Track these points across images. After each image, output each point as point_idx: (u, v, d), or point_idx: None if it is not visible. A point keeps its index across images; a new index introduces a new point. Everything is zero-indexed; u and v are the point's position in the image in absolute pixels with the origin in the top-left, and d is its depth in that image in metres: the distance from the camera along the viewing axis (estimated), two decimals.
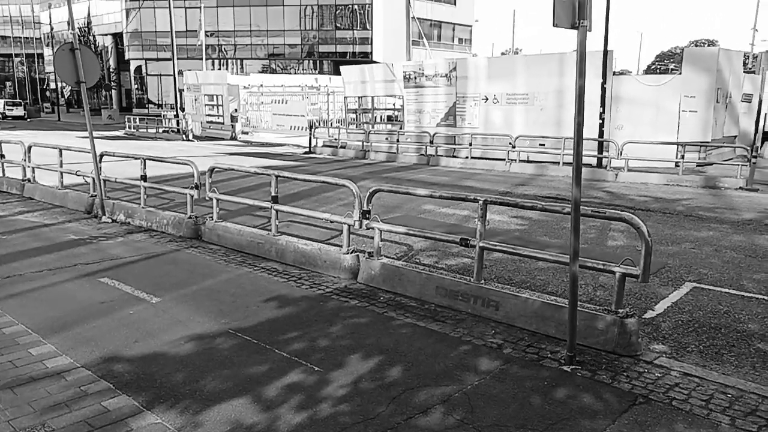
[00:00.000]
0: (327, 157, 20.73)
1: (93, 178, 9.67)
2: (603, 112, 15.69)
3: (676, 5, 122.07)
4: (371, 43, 45.93)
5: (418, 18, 38.31)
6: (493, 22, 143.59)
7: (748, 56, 37.89)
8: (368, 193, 6.20)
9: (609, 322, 4.41)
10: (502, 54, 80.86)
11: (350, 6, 45.85)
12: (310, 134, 22.64)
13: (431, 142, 19.03)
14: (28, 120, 49.27)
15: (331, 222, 7.20)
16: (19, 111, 50.76)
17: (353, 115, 25.59)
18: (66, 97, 67.06)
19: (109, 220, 9.16)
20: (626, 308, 4.53)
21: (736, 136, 18.16)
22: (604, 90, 15.62)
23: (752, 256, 7.33)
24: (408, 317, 5.08)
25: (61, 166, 10.70)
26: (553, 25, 3.83)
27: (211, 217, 7.95)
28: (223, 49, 48.87)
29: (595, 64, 15.19)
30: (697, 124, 16.06)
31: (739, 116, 18.40)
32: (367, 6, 45.48)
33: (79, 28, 57.35)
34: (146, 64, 53.15)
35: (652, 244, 4.29)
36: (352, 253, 6.30)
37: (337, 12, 46.43)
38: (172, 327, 4.80)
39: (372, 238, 6.40)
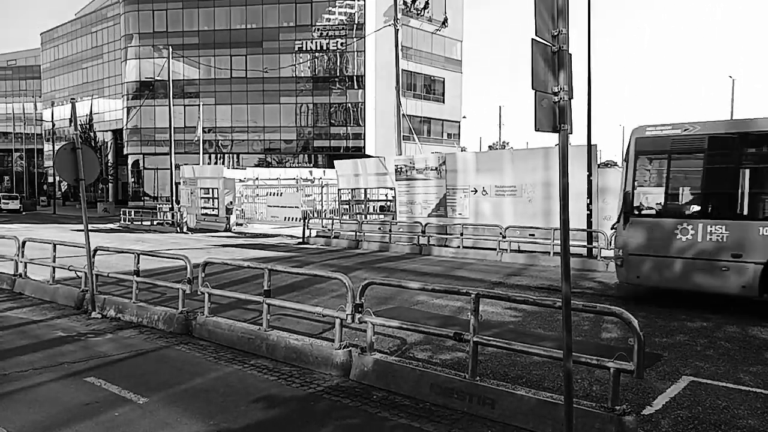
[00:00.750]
0: (320, 247, 20.85)
1: (85, 273, 9.66)
2: (590, 203, 16.05)
3: (656, 99, 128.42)
4: (364, 138, 47.56)
5: (408, 115, 39.88)
6: (481, 117, 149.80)
7: None
8: (361, 286, 6.22)
9: (606, 420, 4.32)
10: (490, 147, 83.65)
11: (344, 104, 47.89)
12: (304, 225, 22.89)
13: (423, 232, 19.26)
14: (24, 213, 49.64)
15: (323, 316, 7.16)
16: (15, 204, 51.26)
17: (346, 206, 26.02)
18: (63, 190, 67.97)
19: (99, 316, 9.05)
20: (623, 405, 4.45)
21: None
22: (590, 182, 16.06)
23: (745, 348, 7.29)
24: (402, 417, 4.95)
25: (54, 261, 10.71)
26: (536, 130, 4.05)
27: (203, 311, 7.89)
28: (220, 144, 50.33)
29: (580, 157, 15.72)
30: None
31: None
32: (360, 104, 47.52)
33: (81, 125, 59.21)
34: (144, 158, 54.43)
35: (644, 339, 4.29)
36: (344, 348, 6.22)
37: (331, 110, 48.42)
38: (158, 430, 4.64)
39: (365, 331, 6.35)
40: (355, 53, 47.18)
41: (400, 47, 27.11)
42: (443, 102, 54.87)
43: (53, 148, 58.32)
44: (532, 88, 3.99)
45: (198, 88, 49.93)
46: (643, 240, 10.05)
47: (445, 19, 53.44)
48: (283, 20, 48.27)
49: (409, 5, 49.78)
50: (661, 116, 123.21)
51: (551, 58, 4.07)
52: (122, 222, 32.87)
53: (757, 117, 9.24)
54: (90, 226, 9.82)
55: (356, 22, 46.75)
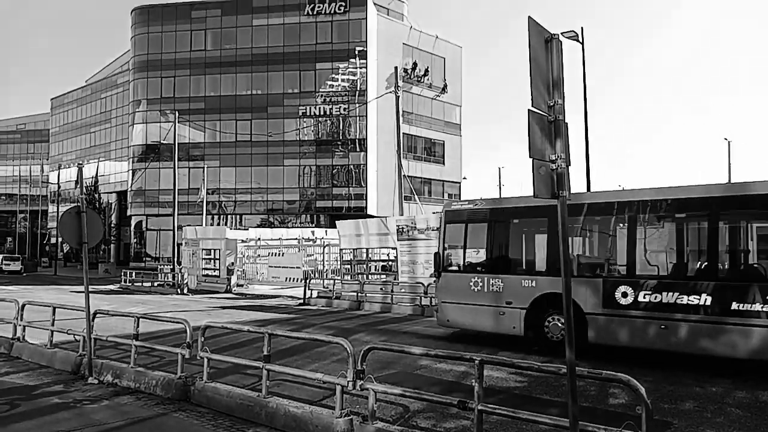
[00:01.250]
0: (321, 309, 20.65)
1: (83, 337, 9.56)
2: None
3: (652, 167, 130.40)
4: (366, 199, 48.05)
5: (409, 176, 40.47)
6: (481, 177, 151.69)
7: None
8: (362, 352, 6.14)
9: None
10: None
11: (346, 166, 48.67)
12: (305, 285, 22.77)
13: (425, 292, 19.11)
14: (25, 274, 49.54)
15: (324, 382, 7.03)
16: (16, 266, 51.22)
17: (348, 266, 25.94)
18: (65, 251, 68.08)
19: (96, 381, 8.89)
20: None
21: None
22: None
23: (756, 414, 7.10)
24: None
25: (53, 324, 10.62)
26: (534, 197, 4.12)
27: (201, 376, 7.76)
28: (223, 206, 50.81)
29: None
30: None
31: None
32: (362, 166, 48.29)
33: (87, 187, 60.02)
34: (147, 219, 54.81)
35: (652, 408, 4.21)
36: (345, 416, 6.08)
37: (334, 171, 49.16)
38: None
39: (366, 397, 6.22)
40: (357, 117, 48.36)
41: (401, 112, 27.83)
42: (443, 164, 55.76)
43: (57, 209, 58.88)
44: (530, 156, 4.10)
45: (203, 151, 50.90)
46: (450, 291, 12.73)
47: (445, 86, 55.07)
48: (288, 87, 49.76)
49: (409, 73, 51.43)
50: (658, 177, 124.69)
51: (548, 128, 4.20)
52: (123, 283, 32.73)
53: (522, 195, 11.75)
54: (90, 287, 9.81)
55: (358, 88, 48.17)
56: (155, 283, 32.07)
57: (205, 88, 51.57)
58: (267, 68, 49.99)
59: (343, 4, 48.33)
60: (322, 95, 48.89)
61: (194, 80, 51.74)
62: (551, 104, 4.22)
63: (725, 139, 46.19)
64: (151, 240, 54.81)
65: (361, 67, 48.09)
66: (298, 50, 49.20)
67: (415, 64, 52.51)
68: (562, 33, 18.02)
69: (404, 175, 40.23)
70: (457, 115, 57.48)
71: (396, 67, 31.46)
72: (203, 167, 43.82)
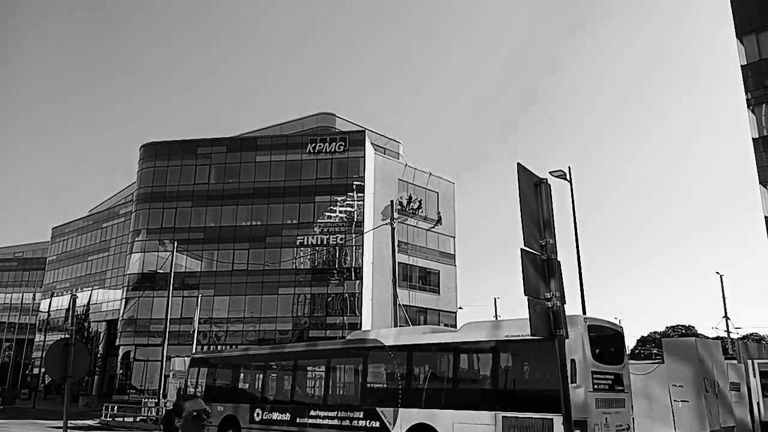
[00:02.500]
0: None
1: None
2: None
3: (649, 294, 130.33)
4: (360, 328, 47.13)
5: (404, 305, 40.14)
6: (477, 308, 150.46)
7: (726, 342, 38.92)
8: None
9: None
10: None
11: (341, 294, 48.39)
12: None
13: None
14: (2, 407, 47.05)
15: None
16: None
17: None
18: (46, 383, 65.29)
19: None
20: None
21: (733, 427, 17.55)
22: None
23: None
24: None
25: None
26: (532, 334, 4.08)
27: None
28: (214, 335, 49.66)
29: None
30: (692, 414, 15.67)
31: (732, 405, 18.07)
32: (357, 294, 48.03)
33: (78, 316, 58.99)
34: (135, 349, 53.25)
35: None
36: None
37: (329, 299, 48.77)
38: None
39: None
40: (354, 247, 48.96)
41: (396, 243, 28.27)
42: (439, 293, 55.56)
43: (44, 338, 57.37)
44: (525, 295, 4.12)
45: (198, 280, 50.76)
46: None
47: (439, 218, 56.55)
48: (287, 218, 50.93)
49: (404, 206, 53.06)
50: (653, 310, 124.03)
51: (541, 266, 4.26)
52: (104, 418, 30.98)
53: (232, 350, 21.45)
54: (69, 423, 9.27)
55: (355, 219, 49.33)
56: (137, 419, 30.40)
57: (205, 219, 52.67)
58: (267, 201, 51.48)
59: (343, 144, 51.00)
60: (319, 226, 49.90)
61: (195, 211, 52.97)
62: (543, 243, 4.32)
63: (717, 272, 46.62)
64: (138, 371, 52.80)
65: (358, 200, 49.61)
66: (298, 184, 51.03)
67: (410, 198, 54.29)
68: (550, 172, 18.93)
69: (399, 305, 39.94)
70: (451, 245, 58.36)
71: (392, 201, 32.52)
72: (197, 296, 43.45)
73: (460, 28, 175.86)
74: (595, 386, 11.13)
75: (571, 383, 10.36)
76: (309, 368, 16.58)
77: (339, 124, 56.84)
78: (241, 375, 18.09)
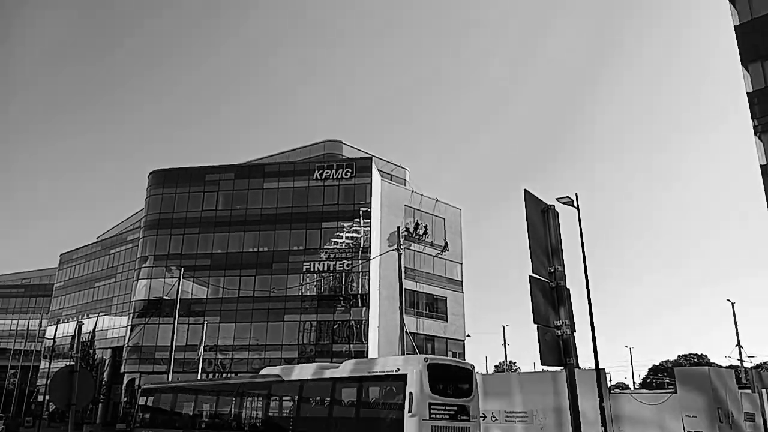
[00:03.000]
0: None
1: None
2: (605, 431, 15.11)
3: (661, 322, 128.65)
4: (367, 356, 46.64)
5: (411, 333, 39.78)
6: (486, 336, 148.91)
7: (740, 371, 38.18)
8: None
9: None
10: (496, 368, 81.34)
11: (347, 321, 48.04)
12: None
13: None
14: None
15: None
16: None
17: None
18: (50, 410, 64.80)
19: None
20: None
21: None
22: (602, 408, 15.33)
23: None
24: None
25: None
26: (542, 364, 4.02)
27: None
28: (220, 363, 49.28)
29: (589, 382, 15.25)
30: None
31: None
32: (363, 321, 47.65)
33: (83, 343, 58.80)
34: (140, 377, 52.86)
35: None
36: None
37: (335, 326, 48.39)
38: None
39: None
40: (360, 273, 48.76)
41: (403, 271, 28.14)
42: (446, 320, 55.04)
43: (50, 365, 57.13)
44: (534, 323, 4.06)
45: (204, 307, 50.60)
46: None
47: (446, 244, 56.35)
48: (294, 244, 50.91)
49: (411, 232, 52.98)
50: (664, 338, 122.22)
51: (550, 294, 4.22)
52: None
53: (172, 380, 24.63)
54: None
55: (362, 245, 49.23)
56: None
57: (212, 245, 52.73)
58: (275, 227, 51.56)
59: (350, 171, 51.23)
60: (326, 252, 49.81)
61: (203, 238, 53.08)
62: (552, 270, 4.27)
63: (728, 300, 46.03)
64: None
65: (365, 226, 49.57)
66: (305, 211, 51.14)
67: (417, 224, 54.22)
68: (557, 199, 18.88)
69: (406, 332, 39.56)
70: (458, 272, 58.01)
71: (398, 227, 32.48)
72: (203, 323, 43.26)
73: (466, 55, 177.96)
74: (432, 416, 13.03)
75: (408, 413, 12.92)
76: (227, 398, 19.16)
77: (346, 151, 57.18)
78: (177, 404, 20.93)
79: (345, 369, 15.55)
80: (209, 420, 19.17)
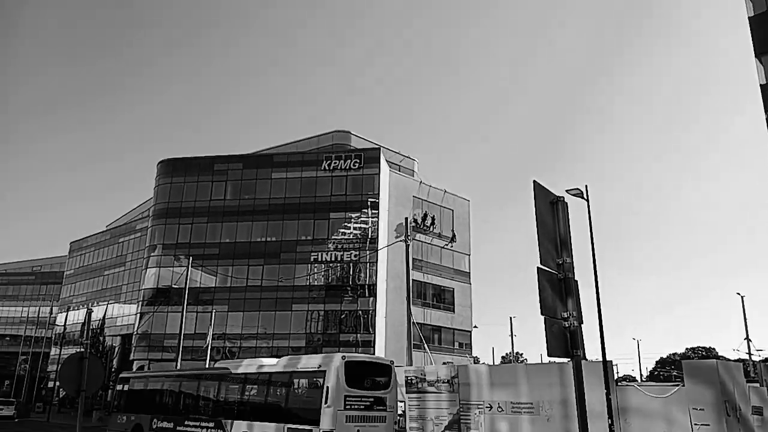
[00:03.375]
0: None
1: None
2: (612, 423, 15.11)
3: (669, 315, 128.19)
4: (374, 346, 46.87)
5: (418, 323, 39.89)
6: (493, 327, 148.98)
7: (748, 365, 38.02)
8: None
9: None
10: (503, 359, 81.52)
11: (355, 311, 48.21)
12: None
13: None
14: (17, 420, 47.32)
15: None
16: (9, 411, 49.06)
17: None
18: (60, 396, 65.63)
19: None
20: None
21: None
22: (609, 400, 15.31)
23: None
24: None
25: None
26: (549, 356, 4.02)
27: None
28: (228, 351, 49.67)
29: (596, 374, 15.23)
30: None
31: (754, 430, 17.57)
32: (370, 311, 47.82)
33: (93, 330, 59.39)
34: (149, 364, 53.40)
35: None
36: None
37: (342, 316, 48.60)
38: None
39: None
40: (368, 263, 48.87)
41: (411, 261, 28.15)
42: (453, 311, 55.12)
43: (60, 352, 57.73)
44: (542, 314, 4.06)
45: (213, 296, 50.94)
46: (114, 422, 24.44)
47: (454, 236, 56.30)
48: (302, 234, 51.06)
49: (419, 223, 52.97)
50: (672, 330, 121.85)
51: (558, 285, 4.20)
52: None
53: (155, 370, 29.36)
54: None
55: (370, 236, 49.29)
56: None
57: (221, 234, 52.97)
58: (283, 217, 51.70)
59: (358, 161, 51.18)
60: (334, 242, 49.93)
61: (211, 227, 53.32)
62: (560, 262, 4.26)
63: (738, 293, 45.76)
64: None
65: (372, 217, 49.58)
66: (313, 201, 51.23)
67: (425, 215, 54.19)
68: (567, 190, 18.79)
69: (413, 322, 39.66)
70: (466, 263, 58.00)
71: (406, 218, 32.45)
72: (211, 312, 43.55)
73: (476, 48, 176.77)
74: (348, 406, 15.10)
75: (325, 404, 14.83)
76: (188, 386, 21.31)
77: (354, 141, 57.11)
78: (147, 390, 23.36)
79: (279, 365, 17.73)
80: (173, 405, 21.68)
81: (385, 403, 16.04)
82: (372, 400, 15.83)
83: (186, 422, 19.85)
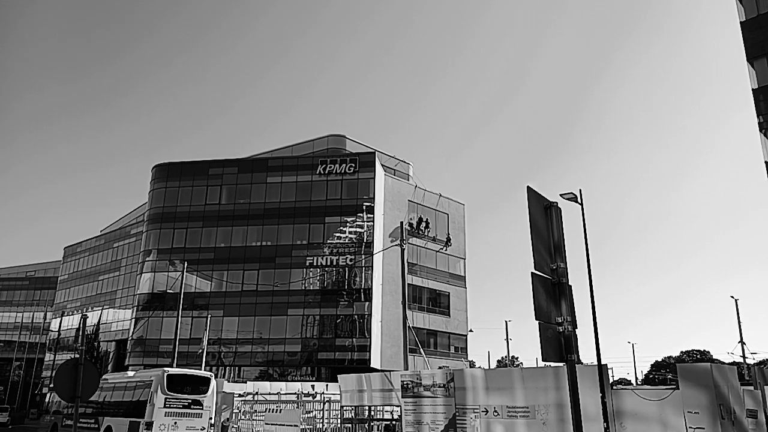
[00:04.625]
0: None
1: None
2: (607, 427, 15.14)
3: (663, 317, 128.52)
4: (369, 350, 46.80)
5: (414, 327, 39.89)
6: (488, 331, 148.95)
7: (742, 368, 38.15)
8: None
9: None
10: (499, 363, 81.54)
11: (350, 316, 48.15)
12: None
13: None
14: (10, 427, 47.05)
15: None
16: (2, 417, 48.82)
17: (349, 425, 24.46)
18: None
19: None
20: None
21: None
22: (604, 404, 15.34)
23: None
24: None
25: None
26: (543, 360, 4.03)
27: None
28: (222, 357, 49.49)
29: (591, 378, 15.25)
30: None
31: None
32: (366, 316, 47.77)
33: (87, 335, 59.09)
34: (144, 369, 53.14)
35: None
36: None
37: (338, 321, 48.52)
38: None
39: None
40: (363, 268, 48.84)
41: (405, 265, 28.17)
42: (449, 315, 55.13)
43: (54, 358, 57.39)
44: (536, 319, 4.07)
45: (208, 301, 50.80)
46: (43, 422, 29.83)
47: (449, 239, 56.37)
48: (297, 239, 51.00)
49: (414, 227, 53.02)
50: (666, 334, 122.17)
51: (552, 290, 4.23)
52: None
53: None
54: None
55: (365, 240, 49.28)
56: None
57: (216, 239, 52.87)
58: (278, 221, 51.64)
59: (353, 165, 51.19)
60: (329, 247, 49.88)
61: (206, 232, 53.20)
62: (554, 267, 4.28)
63: (731, 296, 45.94)
64: None
65: (368, 221, 49.59)
66: (308, 205, 51.19)
67: (420, 219, 54.25)
68: (560, 195, 18.85)
69: (409, 327, 39.62)
70: (461, 267, 58.07)
71: (401, 222, 32.52)
72: (207, 317, 43.41)
73: (471, 50, 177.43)
74: (168, 405, 20.69)
75: (149, 403, 20.69)
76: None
77: (349, 145, 57.16)
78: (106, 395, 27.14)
79: (134, 376, 23.96)
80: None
81: (201, 404, 21.57)
82: (190, 401, 21.31)
83: (81, 420, 25.04)
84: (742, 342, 46.02)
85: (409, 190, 55.35)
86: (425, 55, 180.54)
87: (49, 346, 70.53)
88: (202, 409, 21.48)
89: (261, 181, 53.10)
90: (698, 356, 68.45)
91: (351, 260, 49.09)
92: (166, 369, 21.95)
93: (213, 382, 22.73)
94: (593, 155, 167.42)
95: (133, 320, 54.61)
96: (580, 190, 20.21)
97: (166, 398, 20.74)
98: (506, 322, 69.24)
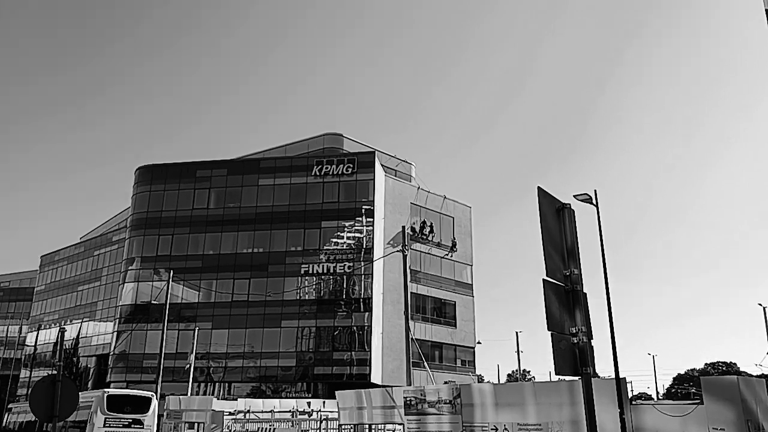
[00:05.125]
0: None
1: None
2: None
3: (686, 327, 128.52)
4: (369, 365, 46.72)
5: (417, 339, 39.83)
6: (498, 343, 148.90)
7: None
8: None
9: None
10: (509, 377, 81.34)
11: (349, 327, 48.08)
12: None
13: None
14: None
15: None
16: None
17: None
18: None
19: None
20: None
21: None
22: (623, 420, 15.31)
23: None
24: None
25: None
26: (556, 374, 4.03)
27: None
28: (211, 372, 49.44)
29: (609, 392, 15.21)
30: None
31: None
32: (366, 327, 47.70)
33: (66, 350, 59.04)
34: (127, 386, 53.04)
35: None
36: None
37: (335, 333, 48.45)
38: None
39: None
40: (363, 276, 48.82)
41: (408, 272, 28.16)
42: (455, 326, 55.08)
43: (30, 374, 57.34)
44: (548, 330, 4.06)
45: (195, 312, 50.76)
46: None
47: (454, 244, 56.37)
48: (291, 245, 51.00)
49: (417, 232, 53.04)
50: (690, 345, 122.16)
51: (565, 299, 4.22)
52: None
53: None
54: None
55: (364, 246, 49.29)
56: None
57: (204, 246, 52.87)
58: (270, 226, 51.65)
59: (351, 166, 51.21)
60: (326, 253, 49.88)
61: (193, 238, 53.22)
62: (567, 274, 4.28)
63: (759, 304, 45.90)
64: None
65: (367, 225, 49.60)
66: (303, 209, 51.19)
67: (423, 223, 54.27)
68: (574, 196, 18.86)
69: (412, 338, 39.59)
70: (468, 274, 58.04)
71: (403, 227, 32.50)
72: (194, 330, 43.39)
73: (477, 46, 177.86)
74: (108, 425, 22.93)
75: (89, 423, 22.85)
76: None
77: (347, 145, 57.19)
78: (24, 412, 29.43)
79: (82, 396, 25.96)
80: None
81: (142, 423, 23.64)
82: (130, 420, 23.49)
83: None
84: None
85: (412, 192, 55.36)
86: (429, 48, 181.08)
87: (25, 361, 70.49)
88: (142, 428, 23.55)
89: (252, 183, 53.15)
90: (724, 368, 68.27)
91: (349, 268, 49.08)
92: (106, 390, 25.17)
93: (154, 402, 24.86)
94: (607, 153, 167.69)
95: (115, 334, 54.56)
96: (595, 191, 20.22)
97: (105, 418, 23.06)
98: (517, 333, 69.03)
